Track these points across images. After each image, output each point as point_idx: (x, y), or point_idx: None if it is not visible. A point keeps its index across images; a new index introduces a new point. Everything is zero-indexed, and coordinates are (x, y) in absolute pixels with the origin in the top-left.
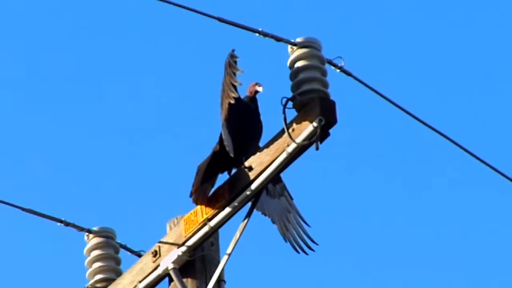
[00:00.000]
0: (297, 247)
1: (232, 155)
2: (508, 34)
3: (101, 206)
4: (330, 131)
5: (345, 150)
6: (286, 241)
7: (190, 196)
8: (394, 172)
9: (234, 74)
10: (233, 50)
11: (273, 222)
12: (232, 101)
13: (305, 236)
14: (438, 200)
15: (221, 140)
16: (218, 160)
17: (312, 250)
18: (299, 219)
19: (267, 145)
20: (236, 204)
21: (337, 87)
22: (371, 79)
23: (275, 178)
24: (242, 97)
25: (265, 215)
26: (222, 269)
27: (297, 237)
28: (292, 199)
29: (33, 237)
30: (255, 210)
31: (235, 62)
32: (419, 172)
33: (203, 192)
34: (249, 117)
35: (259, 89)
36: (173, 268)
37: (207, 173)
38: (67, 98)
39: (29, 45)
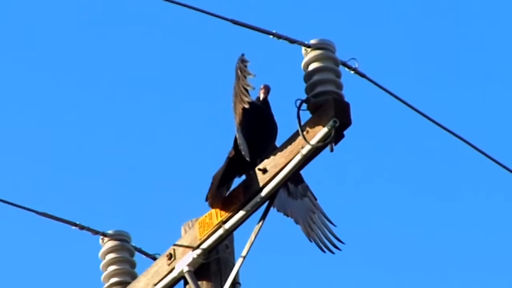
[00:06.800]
0: (323, 247)
1: (248, 159)
2: None
3: (116, 209)
4: (345, 132)
5: (359, 151)
6: (311, 241)
7: (206, 200)
8: (409, 174)
9: (246, 78)
10: (243, 55)
11: (297, 222)
12: (246, 106)
13: (331, 236)
14: (454, 199)
15: (235, 145)
16: (234, 166)
17: (339, 249)
18: (324, 219)
19: (281, 148)
20: (250, 206)
21: (351, 89)
22: (385, 81)
23: (289, 180)
24: (254, 100)
25: (288, 216)
26: (237, 272)
27: (323, 236)
28: (316, 199)
29: (48, 241)
30: (275, 212)
31: (246, 66)
32: (434, 173)
33: (219, 195)
34: (263, 120)
35: (261, 96)
36: (188, 271)
37: (223, 180)
38: (82, 103)
39: (38, 44)
